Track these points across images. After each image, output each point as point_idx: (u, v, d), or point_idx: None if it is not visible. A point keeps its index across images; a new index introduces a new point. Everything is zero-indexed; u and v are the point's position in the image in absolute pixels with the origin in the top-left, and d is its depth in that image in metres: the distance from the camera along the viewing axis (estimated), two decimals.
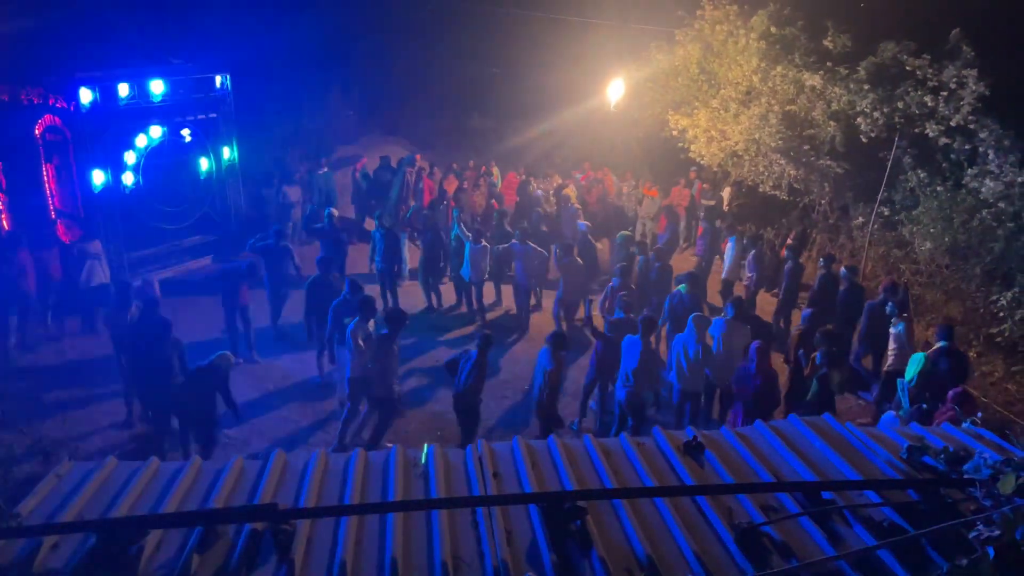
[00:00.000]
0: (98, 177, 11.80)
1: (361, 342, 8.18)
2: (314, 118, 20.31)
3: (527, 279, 11.85)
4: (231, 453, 7.47)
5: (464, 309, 12.39)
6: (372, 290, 10.40)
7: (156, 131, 12.57)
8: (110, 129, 11.86)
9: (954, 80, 11.25)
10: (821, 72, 12.75)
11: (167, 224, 13.28)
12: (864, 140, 12.44)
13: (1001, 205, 11.09)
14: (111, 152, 11.99)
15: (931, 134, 11.61)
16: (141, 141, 12.38)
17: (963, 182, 11.63)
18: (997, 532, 3.01)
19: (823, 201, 14.75)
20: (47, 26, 14.38)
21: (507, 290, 12.61)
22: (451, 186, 15.61)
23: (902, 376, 8.39)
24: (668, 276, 11.18)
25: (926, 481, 3.87)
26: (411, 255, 13.57)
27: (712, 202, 15.47)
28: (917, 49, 11.84)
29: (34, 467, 7.74)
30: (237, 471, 4.02)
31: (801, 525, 3.60)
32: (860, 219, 13.68)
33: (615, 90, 15.98)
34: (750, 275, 12.15)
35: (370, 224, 13.69)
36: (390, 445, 8.25)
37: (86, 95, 11.38)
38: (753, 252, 12.19)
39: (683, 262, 13.97)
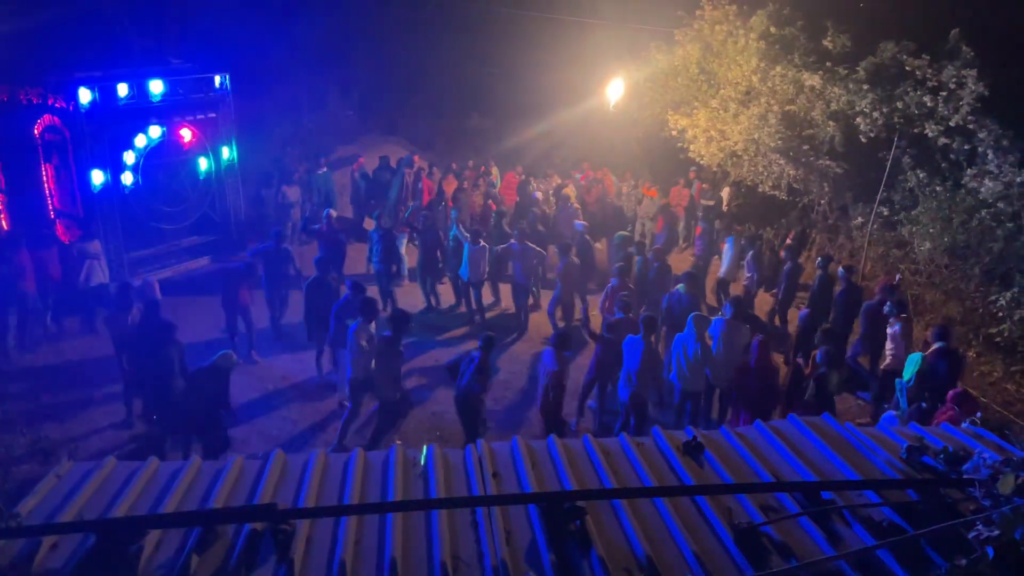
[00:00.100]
0: (97, 177, 11.80)
1: (364, 343, 8.18)
2: (313, 118, 20.33)
3: (526, 279, 11.86)
4: (231, 453, 7.48)
5: (463, 309, 12.40)
6: (371, 291, 10.40)
7: (155, 131, 12.57)
8: (109, 129, 11.87)
9: (953, 80, 11.25)
10: (820, 72, 12.76)
11: (166, 224, 13.28)
12: (863, 140, 12.45)
13: (1000, 205, 11.10)
14: (110, 152, 11.99)
15: (930, 134, 11.61)
16: (140, 141, 12.37)
17: (962, 182, 11.64)
18: (996, 532, 3.01)
19: (822, 201, 14.75)
20: (47, 26, 14.39)
21: (505, 290, 12.62)
22: (450, 186, 15.61)
23: (899, 376, 8.40)
24: (667, 276, 11.19)
25: (925, 481, 3.87)
26: (410, 255, 13.58)
27: (711, 202, 15.47)
28: (916, 49, 11.84)
29: (33, 467, 7.74)
30: (236, 471, 4.02)
31: (800, 525, 3.60)
32: (859, 219, 13.68)
33: (614, 90, 15.98)
34: (749, 275, 12.16)
35: (369, 224, 13.69)
36: (398, 442, 8.29)
37: (85, 95, 11.38)
38: (752, 252, 12.20)
39: (682, 262, 13.97)
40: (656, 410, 9.13)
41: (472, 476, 3.96)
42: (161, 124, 12.66)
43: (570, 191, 15.43)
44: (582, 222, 13.68)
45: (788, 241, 13.26)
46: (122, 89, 11.86)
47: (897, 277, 11.72)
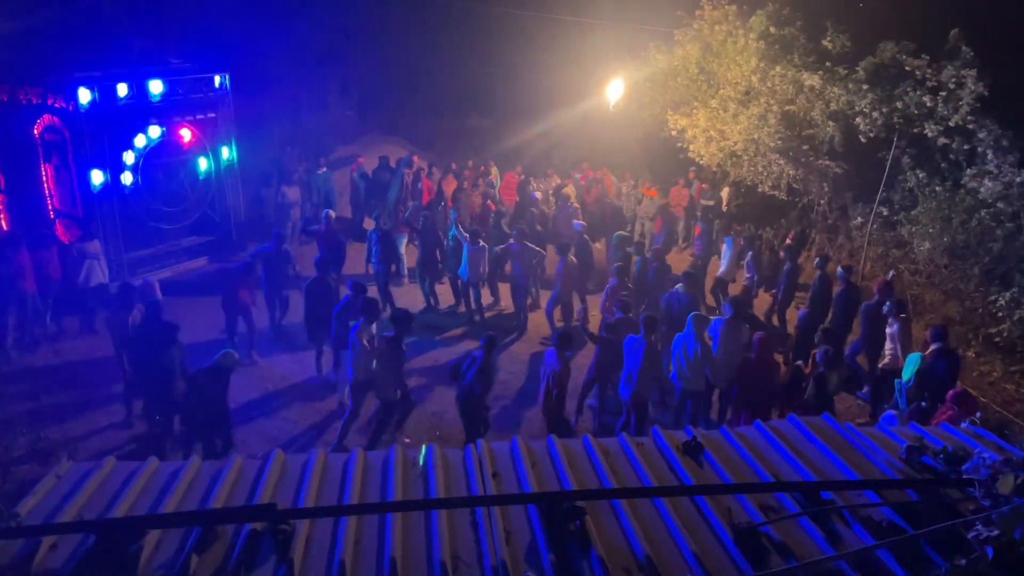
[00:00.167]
0: (97, 177, 11.80)
1: (366, 343, 8.18)
2: (313, 118, 20.32)
3: (525, 279, 11.87)
4: (230, 453, 7.48)
5: (463, 309, 12.40)
6: (370, 292, 10.39)
7: (155, 131, 12.56)
8: (109, 129, 11.87)
9: (953, 80, 11.25)
10: (820, 72, 12.76)
11: (166, 224, 13.28)
12: (863, 140, 12.45)
13: (1000, 205, 11.11)
14: (110, 152, 11.99)
15: (930, 134, 11.61)
16: (140, 141, 12.37)
17: (962, 182, 11.64)
18: (996, 532, 3.02)
19: (822, 201, 14.75)
20: (46, 26, 14.38)
21: (504, 290, 12.62)
22: (449, 186, 15.60)
23: (898, 376, 8.41)
24: (665, 276, 11.19)
25: (925, 481, 3.87)
26: (410, 255, 13.57)
27: (711, 202, 15.47)
28: (916, 49, 11.84)
29: (33, 467, 7.75)
30: (236, 471, 4.02)
31: (800, 525, 3.60)
32: (859, 219, 13.68)
33: (614, 90, 15.97)
34: (749, 275, 12.15)
35: (369, 224, 13.69)
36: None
37: (85, 95, 11.38)
38: (751, 253, 12.20)
39: (681, 262, 13.97)
40: (657, 409, 9.13)
41: (472, 476, 3.97)
42: (161, 124, 12.66)
43: (570, 191, 15.43)
44: (580, 222, 13.69)
45: (788, 241, 13.27)
46: (122, 89, 11.86)
47: (891, 274, 11.71)
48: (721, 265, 12.64)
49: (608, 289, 10.47)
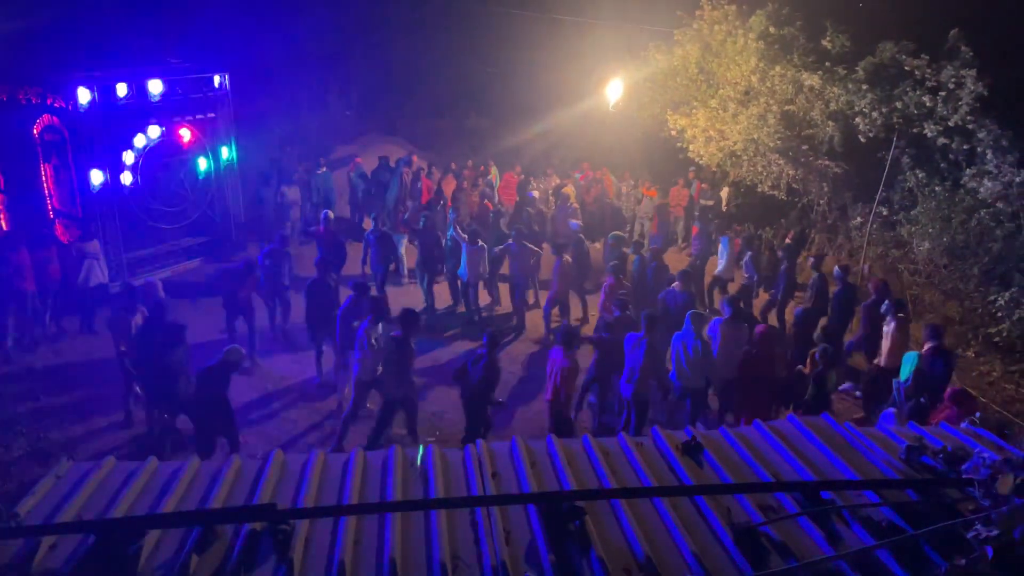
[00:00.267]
0: (96, 177, 11.80)
1: (374, 342, 8.18)
2: (312, 118, 20.32)
3: (524, 279, 11.87)
4: (227, 453, 7.47)
5: (462, 309, 12.39)
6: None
7: (154, 131, 12.56)
8: (108, 129, 11.86)
9: (952, 80, 11.25)
10: (819, 72, 12.76)
11: (165, 224, 13.28)
12: (862, 140, 12.46)
13: (999, 205, 11.12)
14: (109, 152, 11.98)
15: (929, 134, 11.62)
16: (139, 141, 12.37)
17: (961, 182, 11.64)
18: (995, 532, 3.02)
19: (821, 201, 14.76)
20: (45, 26, 14.38)
21: (503, 289, 12.63)
22: (449, 186, 15.61)
23: (894, 375, 8.44)
24: (663, 275, 11.20)
25: (925, 481, 3.87)
26: (409, 255, 13.57)
27: (711, 202, 15.47)
28: (915, 49, 11.84)
29: (33, 467, 7.75)
30: (236, 471, 4.01)
31: (800, 525, 3.60)
32: (858, 219, 13.69)
33: (614, 90, 15.97)
34: (747, 275, 12.16)
35: (368, 224, 13.69)
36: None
37: (84, 95, 11.37)
38: (749, 253, 12.20)
39: (680, 262, 13.97)
40: (657, 409, 9.13)
41: (471, 476, 3.96)
42: (160, 124, 12.65)
43: (569, 191, 15.43)
44: (577, 222, 13.68)
45: (787, 241, 13.28)
46: (121, 89, 11.85)
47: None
48: (719, 265, 12.65)
49: (605, 287, 10.49)
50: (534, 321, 12.05)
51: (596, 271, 13.20)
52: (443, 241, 12.41)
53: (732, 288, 12.40)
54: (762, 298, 12.63)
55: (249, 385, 9.74)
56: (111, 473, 4.00)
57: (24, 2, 14.55)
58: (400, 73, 21.80)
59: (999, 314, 10.91)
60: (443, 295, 12.73)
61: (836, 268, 10.92)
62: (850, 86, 12.29)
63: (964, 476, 3.76)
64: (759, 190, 14.64)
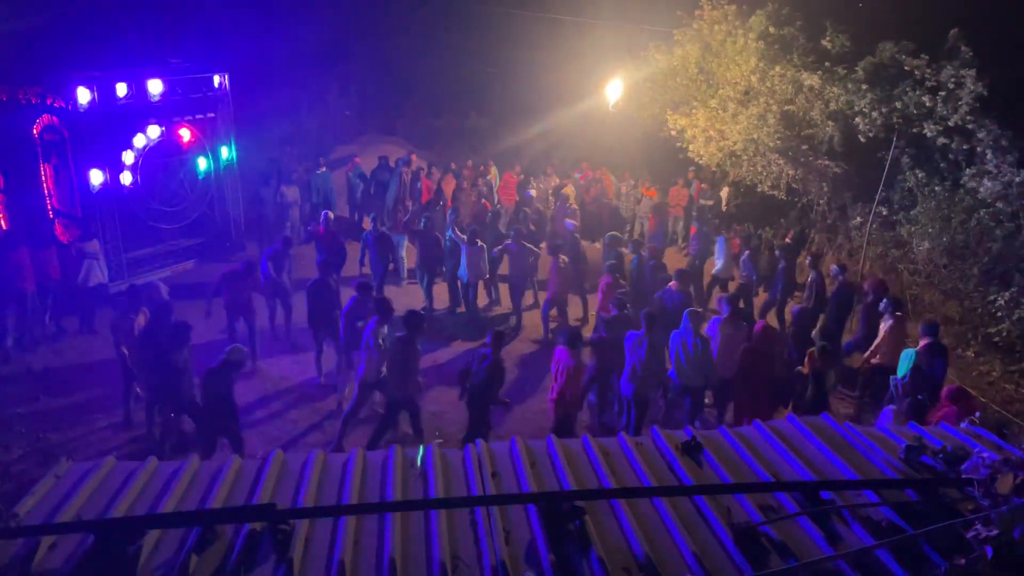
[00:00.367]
0: (96, 177, 11.79)
1: (381, 342, 8.17)
2: (312, 118, 20.32)
3: (522, 279, 11.87)
4: (229, 453, 7.47)
5: (462, 309, 12.39)
6: None
7: (154, 131, 12.55)
8: (108, 129, 11.85)
9: (952, 80, 11.25)
10: (819, 72, 12.76)
11: (165, 224, 13.27)
12: (862, 140, 12.45)
13: (999, 205, 11.12)
14: (109, 152, 11.98)
15: (929, 134, 11.61)
16: (139, 141, 12.36)
17: (961, 182, 11.64)
18: (995, 531, 3.02)
19: (821, 201, 14.76)
20: (45, 26, 14.39)
21: (503, 290, 12.62)
22: (449, 186, 15.60)
23: (890, 372, 8.46)
24: (662, 275, 11.20)
25: (924, 481, 3.87)
26: (409, 256, 13.56)
27: (711, 202, 15.47)
28: (915, 49, 11.83)
29: (32, 467, 7.74)
30: (235, 471, 4.01)
31: (799, 525, 3.60)
32: (858, 219, 13.69)
33: (613, 90, 15.97)
34: (745, 274, 12.16)
35: (367, 224, 13.68)
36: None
37: (84, 95, 11.36)
38: (747, 252, 12.21)
39: (679, 262, 13.97)
40: (657, 408, 9.13)
41: (471, 476, 3.96)
42: (160, 124, 12.64)
43: (569, 191, 15.44)
44: (572, 222, 13.68)
45: (787, 240, 13.28)
46: (121, 89, 11.84)
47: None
48: (716, 264, 12.66)
49: (603, 286, 10.50)
50: (533, 321, 12.06)
51: (595, 271, 13.19)
52: (442, 242, 12.41)
53: (731, 287, 12.41)
54: (762, 297, 12.64)
55: (249, 385, 9.73)
56: (111, 473, 4.00)
57: (24, 2, 14.55)
58: (400, 73, 21.81)
59: (999, 314, 10.91)
60: (442, 295, 12.72)
61: (833, 266, 10.93)
62: (850, 86, 12.29)
63: (964, 476, 3.76)
64: (759, 190, 14.64)
